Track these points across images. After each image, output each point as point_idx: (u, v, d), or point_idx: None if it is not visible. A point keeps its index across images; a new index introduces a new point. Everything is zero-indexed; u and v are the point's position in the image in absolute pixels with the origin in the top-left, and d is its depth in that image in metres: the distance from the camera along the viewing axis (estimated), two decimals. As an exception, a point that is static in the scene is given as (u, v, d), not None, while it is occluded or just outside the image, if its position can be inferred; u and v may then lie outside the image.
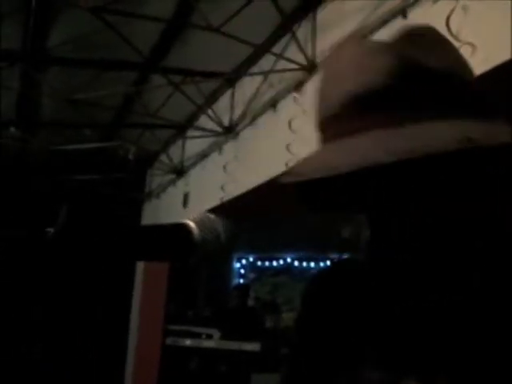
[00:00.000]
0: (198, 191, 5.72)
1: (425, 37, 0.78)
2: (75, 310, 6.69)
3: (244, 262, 10.18)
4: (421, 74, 0.73)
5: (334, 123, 0.78)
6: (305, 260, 10.00)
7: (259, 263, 10.20)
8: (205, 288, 8.80)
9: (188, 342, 6.87)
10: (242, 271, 10.16)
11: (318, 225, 6.58)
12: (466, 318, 0.81)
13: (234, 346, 6.73)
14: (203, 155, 5.52)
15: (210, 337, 7.03)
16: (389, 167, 0.69)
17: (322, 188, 0.81)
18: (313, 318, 1.09)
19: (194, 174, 5.85)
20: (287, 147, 3.84)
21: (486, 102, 0.79)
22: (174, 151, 6.28)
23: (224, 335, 6.99)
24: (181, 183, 6.11)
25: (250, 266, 10.21)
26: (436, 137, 0.69)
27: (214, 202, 5.06)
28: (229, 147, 4.99)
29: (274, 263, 10.15)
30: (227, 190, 4.85)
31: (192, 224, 1.11)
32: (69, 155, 5.46)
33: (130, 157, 5.52)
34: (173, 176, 6.19)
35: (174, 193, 6.28)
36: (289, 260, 10.07)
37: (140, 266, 7.12)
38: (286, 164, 3.86)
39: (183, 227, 1.10)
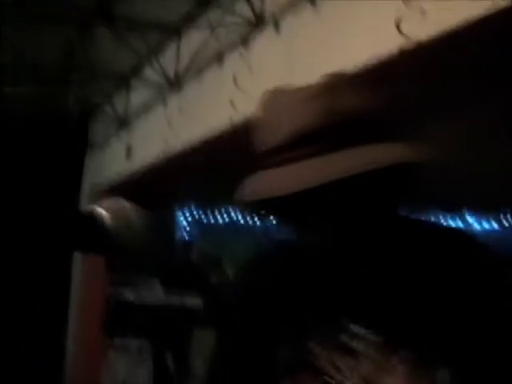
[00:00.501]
0: (141, 144, 5.67)
1: (340, 83, 1.02)
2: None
3: (188, 216, 10.18)
4: (337, 115, 0.96)
5: (275, 154, 0.99)
6: (250, 215, 10.06)
7: (204, 218, 10.22)
8: (148, 240, 8.78)
9: (131, 297, 6.88)
10: (187, 226, 10.17)
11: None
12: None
13: (176, 301, 6.76)
14: (147, 107, 5.45)
15: (152, 291, 7.07)
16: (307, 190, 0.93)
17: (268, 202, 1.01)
18: (258, 286, 1.23)
19: (137, 126, 5.79)
20: (231, 102, 3.83)
21: (388, 127, 1.01)
22: (119, 103, 6.17)
23: (167, 291, 7.02)
24: (124, 135, 6.03)
25: (195, 221, 10.23)
26: (344, 163, 0.93)
27: (157, 154, 5.04)
28: (173, 100, 4.93)
29: (219, 218, 10.19)
30: (170, 143, 4.82)
31: (104, 213, 1.11)
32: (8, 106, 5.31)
33: (72, 107, 5.40)
34: (116, 128, 6.09)
35: (118, 145, 6.20)
36: (234, 215, 10.13)
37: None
38: (230, 119, 3.86)
39: (95, 217, 1.09)
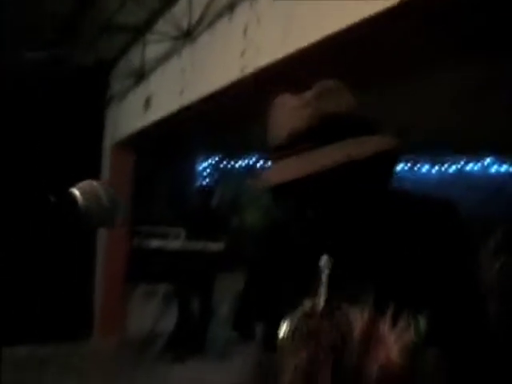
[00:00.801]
0: (158, 95, 5.77)
1: (331, 90, 1.24)
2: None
3: (208, 163, 10.35)
4: (327, 118, 1.20)
5: (280, 150, 1.23)
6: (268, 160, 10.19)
7: (223, 164, 10.37)
8: (170, 188, 8.94)
9: (155, 245, 7.08)
10: (207, 172, 10.34)
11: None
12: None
13: (198, 246, 6.96)
14: (163, 59, 5.52)
15: (176, 237, 7.25)
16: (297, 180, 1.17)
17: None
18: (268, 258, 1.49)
19: (154, 79, 5.88)
20: (242, 54, 3.91)
21: (370, 124, 1.26)
22: (135, 56, 6.25)
23: (189, 236, 7.21)
24: (142, 87, 6.14)
25: (215, 167, 10.39)
26: (329, 157, 1.16)
27: (174, 106, 5.15)
28: (187, 52, 5.00)
29: (238, 164, 10.33)
30: (185, 95, 4.93)
31: (77, 192, 1.23)
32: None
33: (89, 62, 5.50)
34: (134, 81, 6.19)
35: (135, 97, 6.31)
36: (252, 160, 10.26)
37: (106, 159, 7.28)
38: (241, 70, 3.95)
39: (69, 197, 1.22)
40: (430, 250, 1.24)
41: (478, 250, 1.32)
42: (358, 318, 1.20)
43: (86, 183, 1.32)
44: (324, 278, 1.24)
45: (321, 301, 1.23)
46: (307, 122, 1.20)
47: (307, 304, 1.25)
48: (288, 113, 1.24)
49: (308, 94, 1.24)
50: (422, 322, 1.17)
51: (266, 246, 1.52)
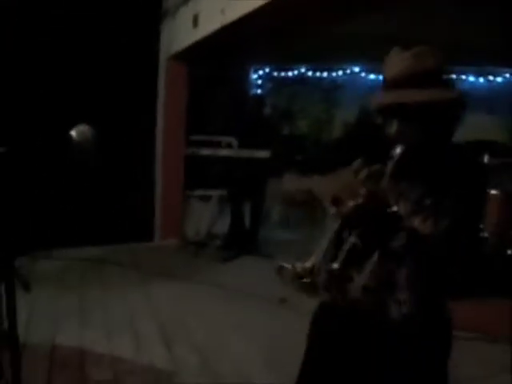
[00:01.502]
0: (206, 13, 6.03)
1: (424, 52, 1.79)
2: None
3: (261, 72, 10.56)
4: (419, 70, 1.75)
5: (392, 82, 1.79)
6: (318, 70, 10.33)
7: (275, 73, 10.56)
8: (222, 99, 9.19)
9: (207, 152, 7.51)
10: (259, 82, 10.57)
11: (332, 36, 6.89)
12: None
13: (246, 153, 7.35)
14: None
15: (229, 146, 7.64)
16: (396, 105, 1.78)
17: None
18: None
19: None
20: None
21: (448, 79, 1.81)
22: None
23: (241, 144, 7.59)
24: (190, 5, 6.40)
25: (267, 77, 10.60)
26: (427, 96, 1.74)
27: (216, 24, 5.44)
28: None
29: (290, 73, 10.50)
30: (227, 14, 5.21)
31: (74, 133, 1.84)
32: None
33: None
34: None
35: (186, 14, 6.59)
36: (303, 70, 10.41)
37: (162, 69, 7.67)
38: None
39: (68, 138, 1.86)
40: (462, 189, 1.73)
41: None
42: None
43: (80, 127, 1.94)
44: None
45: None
46: (406, 71, 1.76)
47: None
48: (396, 62, 1.80)
49: (409, 53, 1.80)
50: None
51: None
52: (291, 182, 1.88)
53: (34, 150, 1.97)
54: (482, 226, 5.39)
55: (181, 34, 6.89)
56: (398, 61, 1.79)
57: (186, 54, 7.11)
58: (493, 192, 5.45)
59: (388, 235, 1.73)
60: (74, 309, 4.84)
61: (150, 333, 4.40)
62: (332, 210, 1.67)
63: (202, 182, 7.54)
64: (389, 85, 1.79)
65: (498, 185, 5.53)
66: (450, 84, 1.81)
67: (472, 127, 8.83)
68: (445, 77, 1.80)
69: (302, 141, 9.47)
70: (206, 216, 7.65)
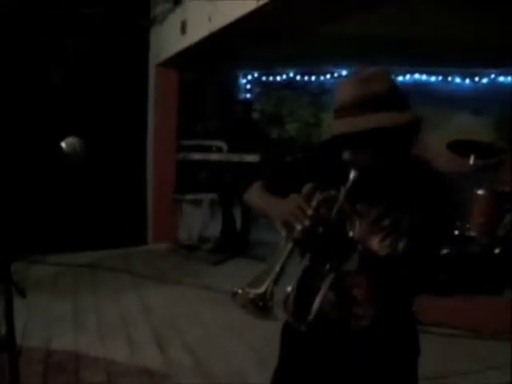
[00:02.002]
0: (193, 20, 6.11)
1: (373, 75, 1.74)
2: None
3: (249, 77, 10.65)
4: (371, 94, 1.70)
5: (341, 111, 1.75)
6: (307, 74, 10.43)
7: (264, 78, 10.66)
8: (212, 104, 9.27)
9: (198, 156, 7.59)
10: (248, 86, 10.67)
11: (319, 40, 6.99)
12: None
13: (236, 157, 7.43)
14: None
15: (219, 150, 7.72)
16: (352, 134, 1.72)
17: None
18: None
19: (189, 3, 6.20)
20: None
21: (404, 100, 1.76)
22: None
23: (230, 148, 7.66)
24: (178, 12, 6.48)
25: (255, 81, 10.70)
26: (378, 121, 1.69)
27: (204, 32, 5.53)
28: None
29: (278, 78, 10.59)
30: (214, 22, 5.31)
31: (63, 144, 1.99)
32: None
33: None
34: (172, 5, 6.54)
35: (174, 21, 6.68)
36: (291, 74, 10.50)
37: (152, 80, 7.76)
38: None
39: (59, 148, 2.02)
40: (423, 201, 1.75)
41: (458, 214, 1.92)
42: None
43: (70, 139, 2.09)
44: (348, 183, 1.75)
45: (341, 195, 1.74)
46: (353, 98, 1.71)
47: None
48: (344, 89, 1.76)
49: (357, 78, 1.76)
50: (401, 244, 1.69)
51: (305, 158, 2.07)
52: (252, 195, 1.85)
53: (26, 158, 2.11)
54: (468, 225, 5.53)
55: (169, 40, 6.97)
56: (346, 88, 1.74)
57: (175, 60, 7.19)
58: (479, 192, 5.55)
59: (341, 258, 1.76)
60: (68, 313, 4.91)
61: (144, 335, 4.48)
62: (283, 232, 1.67)
63: (192, 186, 7.61)
64: (338, 114, 1.75)
65: (485, 185, 5.63)
66: (403, 106, 1.75)
67: (458, 128, 9.02)
68: (397, 99, 1.74)
69: (291, 144, 9.55)
70: (198, 220, 7.73)
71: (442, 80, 10.01)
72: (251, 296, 1.58)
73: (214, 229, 7.60)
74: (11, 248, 2.03)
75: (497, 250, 5.35)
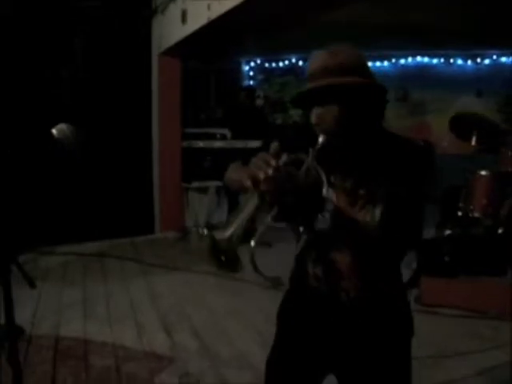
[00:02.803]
0: (193, 9, 6.15)
1: (340, 50, 1.83)
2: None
3: (252, 64, 10.68)
4: (338, 63, 1.80)
5: (310, 76, 1.84)
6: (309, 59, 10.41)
7: (266, 65, 10.69)
8: (215, 91, 9.30)
9: (202, 144, 7.64)
10: (251, 73, 10.70)
11: (320, 24, 7.00)
12: None
13: (240, 144, 7.50)
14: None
15: (223, 137, 7.76)
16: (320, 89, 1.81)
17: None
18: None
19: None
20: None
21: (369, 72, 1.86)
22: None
23: (234, 135, 7.70)
24: (179, 1, 6.52)
25: (258, 68, 10.73)
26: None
27: (203, 20, 5.56)
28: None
29: (281, 64, 10.62)
30: (212, 10, 5.35)
31: (54, 131, 2.03)
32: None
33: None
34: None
35: (175, 9, 6.71)
36: (294, 60, 10.53)
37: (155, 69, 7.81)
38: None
39: (50, 134, 2.05)
40: (399, 169, 1.79)
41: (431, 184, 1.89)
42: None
43: (60, 125, 2.13)
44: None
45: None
46: (321, 65, 1.81)
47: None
48: (315, 59, 1.85)
49: (327, 50, 1.86)
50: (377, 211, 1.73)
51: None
52: (232, 171, 1.88)
53: (24, 148, 2.17)
54: (471, 207, 5.56)
55: (171, 29, 7.01)
56: (317, 58, 1.84)
57: (177, 49, 7.23)
58: (482, 173, 5.57)
59: (313, 216, 1.81)
60: (77, 301, 5.00)
61: (151, 321, 4.56)
62: (250, 187, 1.65)
63: (198, 174, 7.66)
64: (308, 79, 1.84)
65: (488, 166, 5.65)
66: (368, 76, 1.85)
67: (460, 109, 9.01)
68: (362, 69, 1.85)
69: (295, 130, 9.57)
70: (204, 207, 7.79)
71: (443, 62, 10.01)
72: (217, 238, 1.54)
73: (221, 216, 7.66)
74: (9, 237, 2.06)
75: (500, 231, 5.38)
